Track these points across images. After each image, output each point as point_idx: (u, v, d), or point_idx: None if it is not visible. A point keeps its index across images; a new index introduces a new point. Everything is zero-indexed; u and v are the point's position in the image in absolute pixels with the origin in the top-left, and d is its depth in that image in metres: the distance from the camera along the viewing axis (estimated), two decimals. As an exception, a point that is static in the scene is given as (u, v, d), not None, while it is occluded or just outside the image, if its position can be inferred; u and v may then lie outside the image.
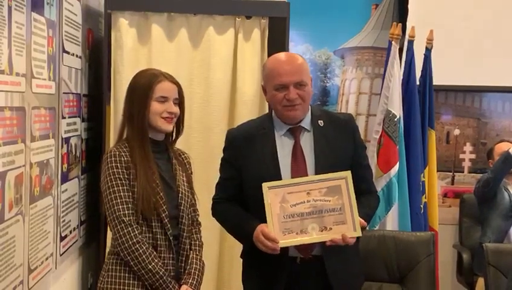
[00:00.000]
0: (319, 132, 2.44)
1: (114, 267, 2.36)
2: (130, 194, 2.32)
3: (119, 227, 2.29)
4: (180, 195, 2.45)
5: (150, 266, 2.30)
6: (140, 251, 2.29)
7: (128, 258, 2.30)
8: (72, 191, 3.00)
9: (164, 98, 2.40)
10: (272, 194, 2.34)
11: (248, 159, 2.46)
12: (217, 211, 2.58)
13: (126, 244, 2.29)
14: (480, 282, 3.83)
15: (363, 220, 2.33)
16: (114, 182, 2.31)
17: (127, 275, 2.34)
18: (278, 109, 2.42)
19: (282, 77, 2.37)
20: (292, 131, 2.45)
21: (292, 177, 2.37)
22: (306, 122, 2.46)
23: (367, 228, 2.51)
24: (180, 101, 2.48)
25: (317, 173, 2.37)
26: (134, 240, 2.29)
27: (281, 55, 2.47)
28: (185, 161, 2.59)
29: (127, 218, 2.29)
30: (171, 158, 2.51)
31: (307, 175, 2.38)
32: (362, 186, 2.46)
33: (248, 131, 2.52)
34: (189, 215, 2.51)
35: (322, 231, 2.31)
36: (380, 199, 2.84)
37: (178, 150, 2.59)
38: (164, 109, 2.40)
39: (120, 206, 2.30)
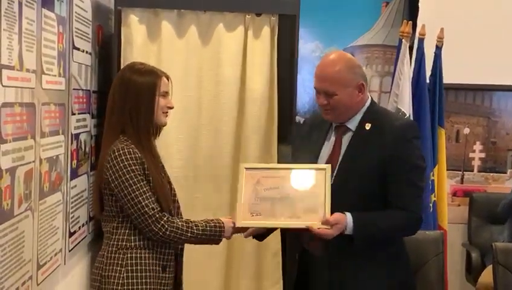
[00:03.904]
0: (359, 135, 2.42)
1: (136, 261, 2.36)
2: (149, 188, 2.33)
3: (151, 223, 2.30)
4: (172, 186, 2.48)
5: (189, 234, 2.33)
6: (175, 233, 2.31)
7: (172, 243, 2.36)
8: (81, 187, 3.01)
9: (166, 93, 2.44)
10: (248, 175, 2.39)
11: (307, 144, 2.54)
12: None
13: (165, 237, 2.31)
14: (487, 274, 3.80)
15: (337, 217, 2.26)
16: (135, 179, 2.30)
17: (153, 273, 2.37)
18: None
19: (315, 81, 2.42)
20: (337, 128, 2.49)
21: None
22: (352, 123, 2.45)
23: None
24: None
25: (338, 173, 2.38)
26: (165, 229, 2.30)
27: (325, 58, 2.45)
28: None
29: (158, 214, 2.30)
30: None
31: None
32: (397, 203, 2.34)
33: (317, 119, 2.58)
34: None
35: (291, 217, 2.32)
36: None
37: None
38: (165, 103, 2.43)
39: (147, 201, 2.30)
